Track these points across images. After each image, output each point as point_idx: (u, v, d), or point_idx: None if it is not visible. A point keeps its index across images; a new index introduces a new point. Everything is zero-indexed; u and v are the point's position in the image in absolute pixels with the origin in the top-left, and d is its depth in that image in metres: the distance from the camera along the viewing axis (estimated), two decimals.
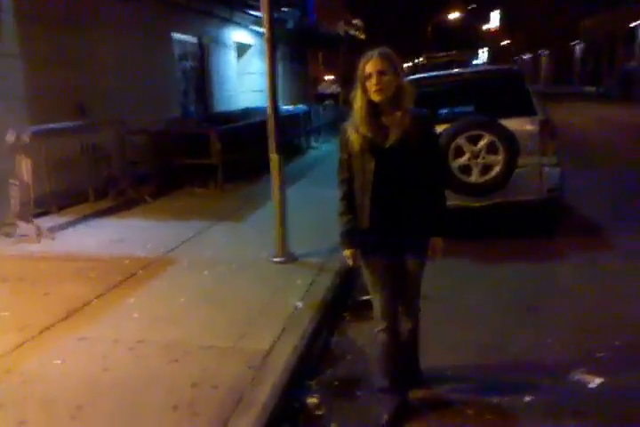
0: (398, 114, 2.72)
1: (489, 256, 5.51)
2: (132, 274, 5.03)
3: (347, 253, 2.96)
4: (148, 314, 4.18)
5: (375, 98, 2.70)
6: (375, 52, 2.73)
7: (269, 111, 5.34)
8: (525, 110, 5.55)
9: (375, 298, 2.97)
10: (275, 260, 5.33)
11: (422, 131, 2.77)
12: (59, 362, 3.46)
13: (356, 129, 2.78)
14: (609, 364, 3.44)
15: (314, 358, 3.71)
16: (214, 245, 5.93)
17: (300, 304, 4.31)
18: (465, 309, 4.40)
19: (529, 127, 5.52)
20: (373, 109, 2.75)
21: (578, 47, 40.13)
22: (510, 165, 5.19)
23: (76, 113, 7.85)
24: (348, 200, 2.90)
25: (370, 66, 2.69)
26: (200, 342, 3.70)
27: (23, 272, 5.14)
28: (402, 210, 2.81)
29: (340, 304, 4.59)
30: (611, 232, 6.02)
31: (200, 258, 5.47)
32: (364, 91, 2.72)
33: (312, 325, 4.01)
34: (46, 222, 6.62)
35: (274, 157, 5.31)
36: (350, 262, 2.99)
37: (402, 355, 3.07)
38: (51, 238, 6.13)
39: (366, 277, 3.00)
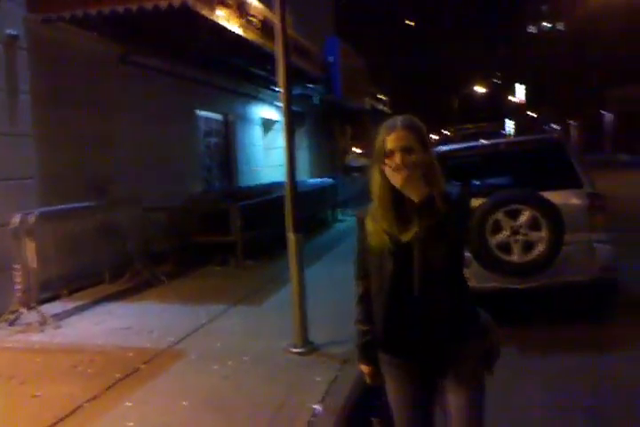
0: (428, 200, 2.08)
1: (538, 346, 4.84)
2: (133, 370, 4.50)
3: (364, 369, 2.35)
4: (144, 422, 3.62)
5: (398, 183, 2.07)
6: (398, 122, 2.10)
7: (287, 188, 4.97)
8: (570, 182, 5.05)
9: None
10: (293, 350, 4.77)
11: (458, 215, 2.10)
12: None
13: (374, 220, 2.15)
14: None
15: None
16: (228, 333, 5.39)
17: (319, 408, 3.71)
18: (511, 411, 3.72)
19: (576, 201, 5.00)
20: (397, 196, 2.10)
21: (607, 116, 40.11)
22: (555, 242, 4.63)
23: (95, 192, 7.63)
24: (366, 305, 2.28)
25: (391, 141, 2.06)
26: None
27: (16, 368, 4.66)
28: (432, 319, 2.09)
29: (367, 405, 3.95)
30: None
31: (211, 349, 4.93)
32: (384, 172, 2.10)
33: None
34: (54, 308, 6.22)
35: (291, 237, 4.87)
36: (368, 381, 2.36)
37: None
38: (55, 327, 5.68)
39: (394, 409, 2.25)
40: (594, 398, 3.83)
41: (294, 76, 11.98)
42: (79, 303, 6.54)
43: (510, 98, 61.50)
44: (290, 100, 5.06)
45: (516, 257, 4.73)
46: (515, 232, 4.71)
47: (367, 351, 2.31)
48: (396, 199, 2.11)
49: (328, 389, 4.00)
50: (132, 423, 3.61)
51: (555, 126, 52.22)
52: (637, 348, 4.66)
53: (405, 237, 2.08)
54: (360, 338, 2.33)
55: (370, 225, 2.17)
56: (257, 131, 14.63)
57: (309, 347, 4.81)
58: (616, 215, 6.29)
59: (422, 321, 2.10)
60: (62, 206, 6.36)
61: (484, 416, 2.16)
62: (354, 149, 26.78)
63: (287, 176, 4.96)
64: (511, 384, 4.13)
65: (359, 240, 2.27)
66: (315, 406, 3.72)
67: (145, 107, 9.23)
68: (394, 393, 2.25)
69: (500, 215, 4.69)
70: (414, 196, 2.08)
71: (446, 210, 2.06)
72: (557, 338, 4.97)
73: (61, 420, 3.68)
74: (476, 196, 4.82)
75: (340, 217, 14.26)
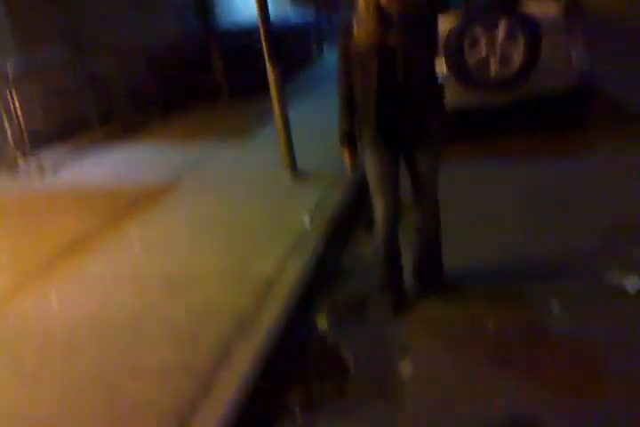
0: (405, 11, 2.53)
1: (516, 152, 5.08)
2: (136, 203, 4.81)
3: (346, 150, 2.89)
4: (150, 244, 3.98)
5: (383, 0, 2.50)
6: None
7: (259, 17, 4.82)
8: None
9: (377, 200, 2.85)
10: (282, 177, 5.04)
11: (429, 16, 2.66)
12: (56, 301, 3.31)
13: (359, 23, 2.58)
14: None
15: (323, 279, 3.48)
16: (220, 166, 5.63)
17: (308, 222, 4.05)
18: (490, 208, 4.08)
19: (552, 9, 4.86)
20: (380, 9, 2.53)
21: None
22: (533, 52, 4.63)
23: (67, 40, 7.35)
24: (349, 103, 2.78)
25: None
26: (203, 269, 3.49)
27: (24, 208, 4.97)
28: (410, 106, 2.67)
29: (352, 220, 4.31)
30: None
31: (206, 181, 5.23)
32: None
33: (322, 243, 3.76)
34: (49, 156, 6.39)
35: (269, 66, 4.84)
36: (348, 162, 2.93)
37: (425, 253, 3.09)
38: (53, 173, 5.91)
39: (370, 175, 2.84)
40: (565, 194, 4.17)
41: None
42: (73, 149, 6.68)
43: None
44: None
45: (495, 69, 4.77)
46: (492, 44, 4.69)
47: (350, 137, 2.85)
48: (379, 12, 2.52)
49: (317, 206, 4.31)
50: (139, 246, 3.97)
51: None
52: (606, 147, 4.94)
53: (388, 40, 2.53)
54: (344, 127, 2.84)
55: (357, 28, 2.58)
56: None
57: (298, 173, 5.05)
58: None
59: (404, 102, 2.66)
60: (40, 56, 6.22)
61: (439, 177, 2.88)
62: None
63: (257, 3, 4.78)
64: (486, 189, 4.45)
65: (342, 46, 2.68)
66: (305, 220, 4.07)
67: None
68: (378, 160, 2.79)
69: (476, 28, 4.63)
70: (394, 10, 2.51)
71: (419, 14, 2.57)
72: (534, 144, 5.18)
73: (75, 247, 4.03)
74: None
75: (324, 53, 13.83)
